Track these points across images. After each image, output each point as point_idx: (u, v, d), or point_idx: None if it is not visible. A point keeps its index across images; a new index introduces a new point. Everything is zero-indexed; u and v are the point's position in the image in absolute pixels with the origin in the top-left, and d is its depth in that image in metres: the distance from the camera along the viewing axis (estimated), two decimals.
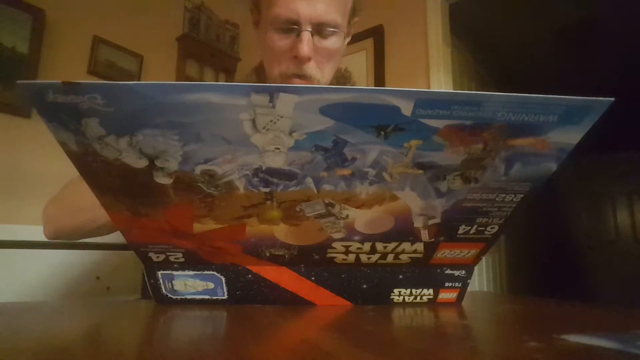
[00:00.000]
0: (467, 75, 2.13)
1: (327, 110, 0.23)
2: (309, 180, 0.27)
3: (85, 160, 0.25)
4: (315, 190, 0.27)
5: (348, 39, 0.67)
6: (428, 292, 0.36)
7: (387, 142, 0.25)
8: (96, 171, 0.25)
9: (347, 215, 0.29)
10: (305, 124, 0.23)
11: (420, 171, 0.27)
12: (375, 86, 1.76)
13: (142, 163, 0.25)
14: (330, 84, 0.67)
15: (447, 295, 0.36)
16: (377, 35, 1.81)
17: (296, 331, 0.26)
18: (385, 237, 0.31)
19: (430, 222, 0.31)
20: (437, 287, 0.36)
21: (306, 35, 0.55)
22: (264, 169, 0.26)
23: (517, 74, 2.88)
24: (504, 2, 2.12)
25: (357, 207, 0.29)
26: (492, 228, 0.32)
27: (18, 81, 0.20)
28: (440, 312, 0.33)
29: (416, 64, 1.70)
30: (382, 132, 0.24)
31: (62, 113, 0.22)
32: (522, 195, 0.30)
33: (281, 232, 0.30)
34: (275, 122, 0.23)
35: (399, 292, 0.35)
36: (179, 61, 1.91)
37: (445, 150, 0.26)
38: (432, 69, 1.65)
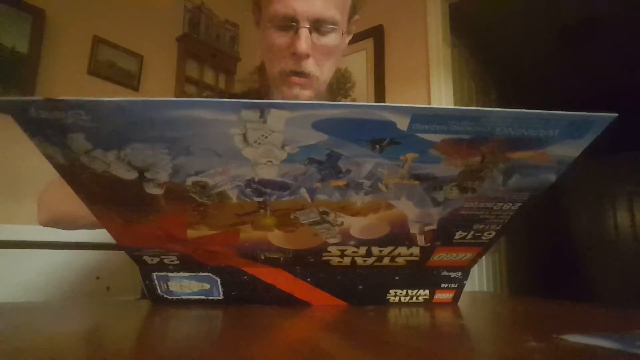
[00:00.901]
0: (467, 75, 2.13)
1: (320, 125, 0.22)
2: (303, 190, 0.26)
3: (73, 172, 0.24)
4: (309, 200, 0.27)
5: (349, 38, 0.67)
6: (424, 293, 0.36)
7: (382, 155, 0.24)
8: (85, 182, 0.25)
9: (342, 222, 0.29)
10: (297, 138, 0.23)
11: (417, 182, 0.27)
12: (375, 86, 1.76)
13: (132, 175, 0.25)
14: (330, 83, 0.67)
15: (443, 296, 0.36)
16: (377, 35, 1.81)
17: (296, 331, 0.26)
18: (381, 242, 0.31)
19: (427, 228, 0.30)
20: (433, 288, 0.36)
21: (304, 32, 0.55)
22: (256, 180, 0.25)
23: (517, 74, 2.88)
24: (504, 2, 2.12)
25: (352, 215, 0.29)
26: (489, 234, 0.32)
27: None
28: (440, 313, 0.33)
29: (416, 64, 1.70)
30: (377, 146, 0.24)
31: (46, 128, 0.22)
32: (520, 204, 0.29)
33: (276, 237, 0.30)
34: (266, 137, 0.23)
35: (395, 292, 0.35)
36: (179, 61, 1.91)
37: (442, 162, 0.25)
38: (432, 69, 1.65)
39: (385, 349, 0.20)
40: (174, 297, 0.34)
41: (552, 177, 0.27)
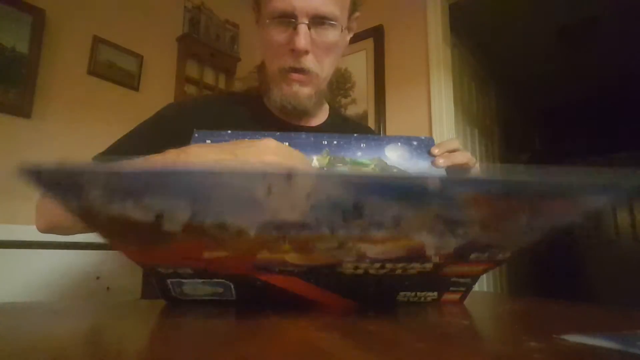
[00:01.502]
0: (467, 75, 2.13)
1: (348, 186, 0.23)
2: (324, 228, 0.27)
3: (87, 216, 0.25)
4: (329, 234, 0.28)
5: (350, 35, 0.66)
6: (432, 294, 0.36)
7: (408, 204, 0.25)
8: (101, 222, 0.25)
9: (360, 248, 0.30)
10: (323, 193, 0.23)
11: (440, 222, 0.27)
12: (375, 86, 1.76)
13: (149, 218, 0.25)
14: (330, 82, 0.67)
15: (450, 297, 0.37)
16: (377, 35, 1.81)
17: (297, 331, 0.26)
18: (396, 260, 0.32)
19: (443, 252, 0.31)
20: (442, 290, 0.36)
21: (302, 28, 0.55)
22: (277, 222, 0.26)
23: (517, 74, 2.88)
24: (504, 2, 2.12)
25: (371, 244, 0.29)
26: (505, 254, 0.32)
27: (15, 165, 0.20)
28: (441, 312, 0.33)
29: (416, 64, 1.71)
30: (405, 198, 0.24)
31: (59, 188, 0.22)
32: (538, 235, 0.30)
33: (292, 257, 0.30)
34: (291, 192, 0.23)
35: (405, 294, 0.36)
36: (179, 61, 1.91)
37: (469, 209, 0.26)
38: (432, 69, 1.65)
39: (385, 348, 0.20)
40: (188, 298, 0.34)
41: (577, 219, 0.28)
